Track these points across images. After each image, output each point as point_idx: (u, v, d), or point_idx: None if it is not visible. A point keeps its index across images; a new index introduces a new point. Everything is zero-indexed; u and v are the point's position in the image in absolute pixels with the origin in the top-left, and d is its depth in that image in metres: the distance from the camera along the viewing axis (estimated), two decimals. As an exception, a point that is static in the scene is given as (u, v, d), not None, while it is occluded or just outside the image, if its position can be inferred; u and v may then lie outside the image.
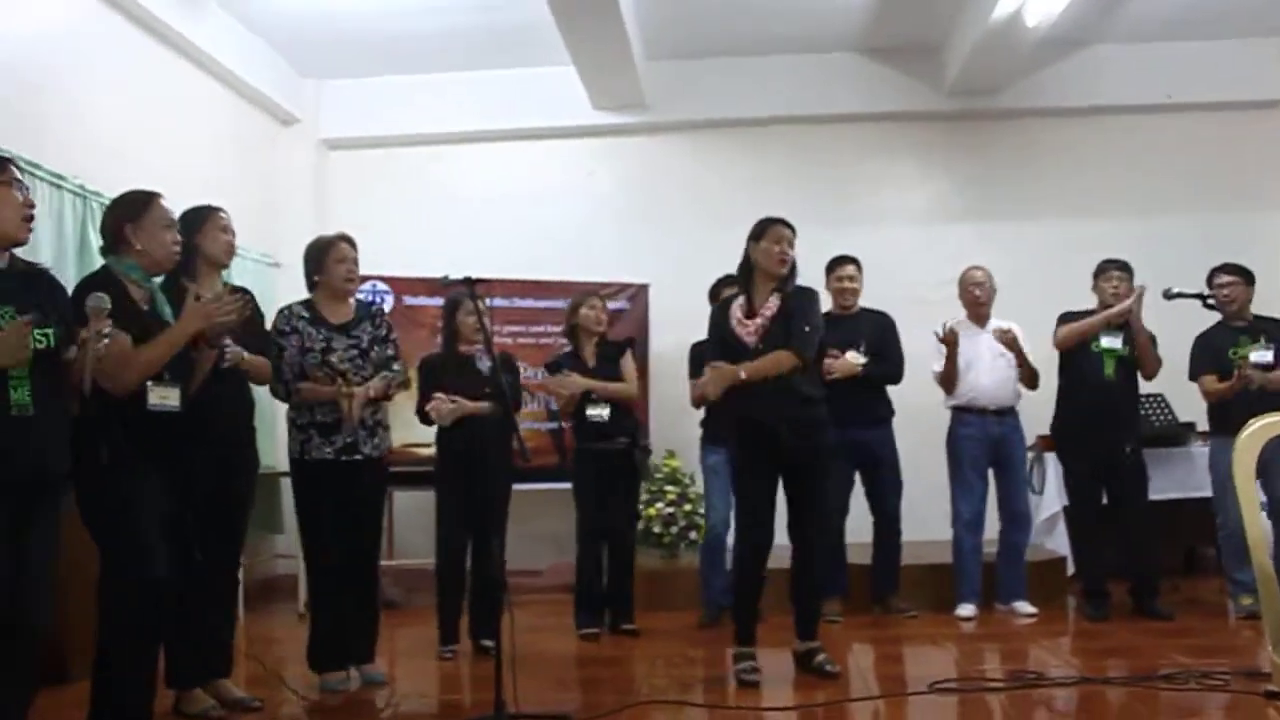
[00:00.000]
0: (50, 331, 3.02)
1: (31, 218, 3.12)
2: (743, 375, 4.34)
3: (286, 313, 4.44)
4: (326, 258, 4.47)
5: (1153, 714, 3.81)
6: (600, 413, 5.49)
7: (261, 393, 4.48)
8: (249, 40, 7.06)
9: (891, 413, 5.86)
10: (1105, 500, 5.70)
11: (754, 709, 4.01)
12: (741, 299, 4.58)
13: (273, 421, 5.68)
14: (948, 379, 5.82)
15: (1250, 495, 2.75)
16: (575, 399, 5.44)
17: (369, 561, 4.53)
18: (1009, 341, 5.70)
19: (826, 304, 5.66)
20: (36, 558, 3.01)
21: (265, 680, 4.33)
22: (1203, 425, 6.19)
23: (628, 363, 5.65)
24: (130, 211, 3.53)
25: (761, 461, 4.46)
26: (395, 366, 4.56)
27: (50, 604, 3.07)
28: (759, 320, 4.49)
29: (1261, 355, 5.45)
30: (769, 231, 4.53)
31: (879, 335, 5.85)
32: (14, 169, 3.10)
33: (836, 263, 5.91)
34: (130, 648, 3.28)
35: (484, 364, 5.10)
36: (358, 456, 4.36)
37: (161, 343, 3.40)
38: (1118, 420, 5.63)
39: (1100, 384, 5.63)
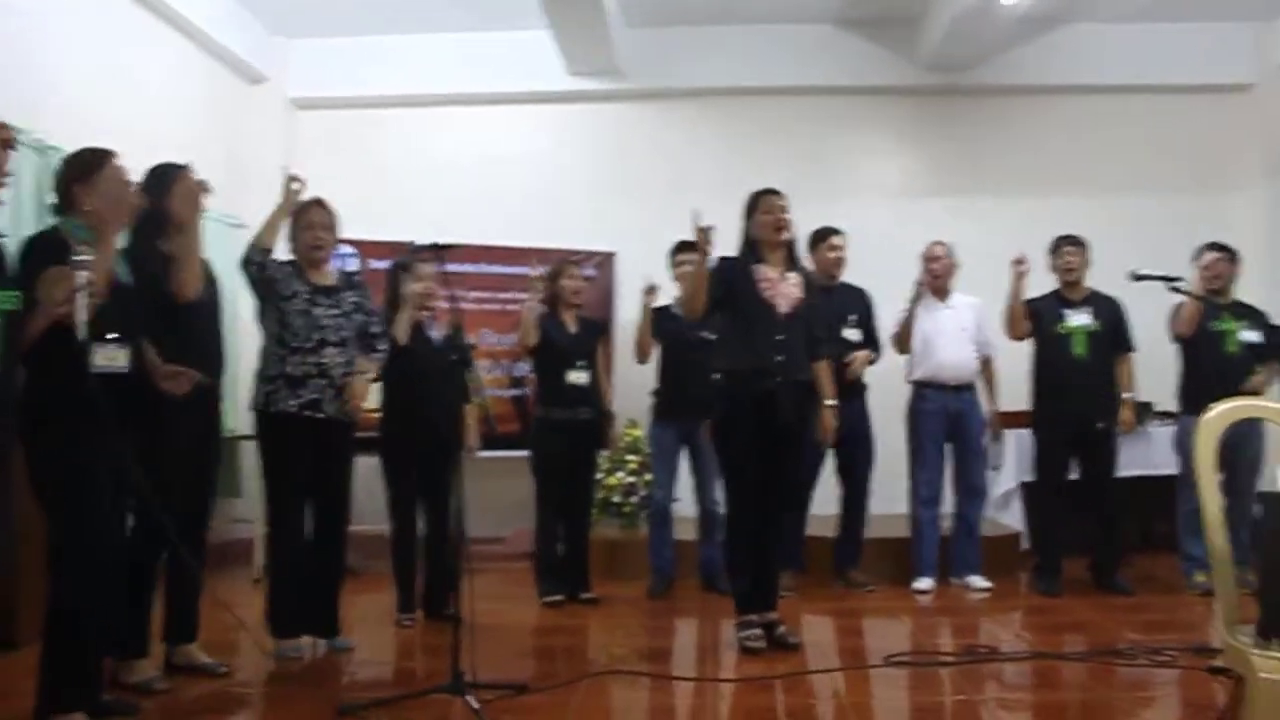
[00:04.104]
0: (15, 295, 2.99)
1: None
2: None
3: (255, 255, 4.32)
4: (295, 223, 4.42)
5: (1104, 688, 3.88)
6: (582, 379, 5.50)
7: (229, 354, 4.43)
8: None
9: (865, 386, 5.89)
10: (1072, 476, 5.76)
11: (712, 680, 4.04)
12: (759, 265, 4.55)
13: (234, 383, 5.62)
14: (903, 338, 5.85)
15: (1210, 475, 2.76)
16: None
17: (336, 526, 4.49)
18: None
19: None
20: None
21: (225, 646, 4.30)
22: (1161, 406, 6.27)
23: (605, 347, 5.67)
24: (80, 171, 3.45)
25: (754, 430, 4.43)
26: (374, 329, 4.56)
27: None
28: (791, 291, 4.52)
29: (1250, 334, 5.58)
30: (760, 203, 4.57)
31: (863, 310, 5.89)
32: None
33: (825, 233, 5.90)
34: (80, 615, 3.24)
35: (434, 332, 5.10)
36: (320, 414, 4.31)
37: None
38: (1090, 397, 5.68)
39: (1071, 362, 5.68)
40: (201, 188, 3.88)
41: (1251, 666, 2.28)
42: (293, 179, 4.30)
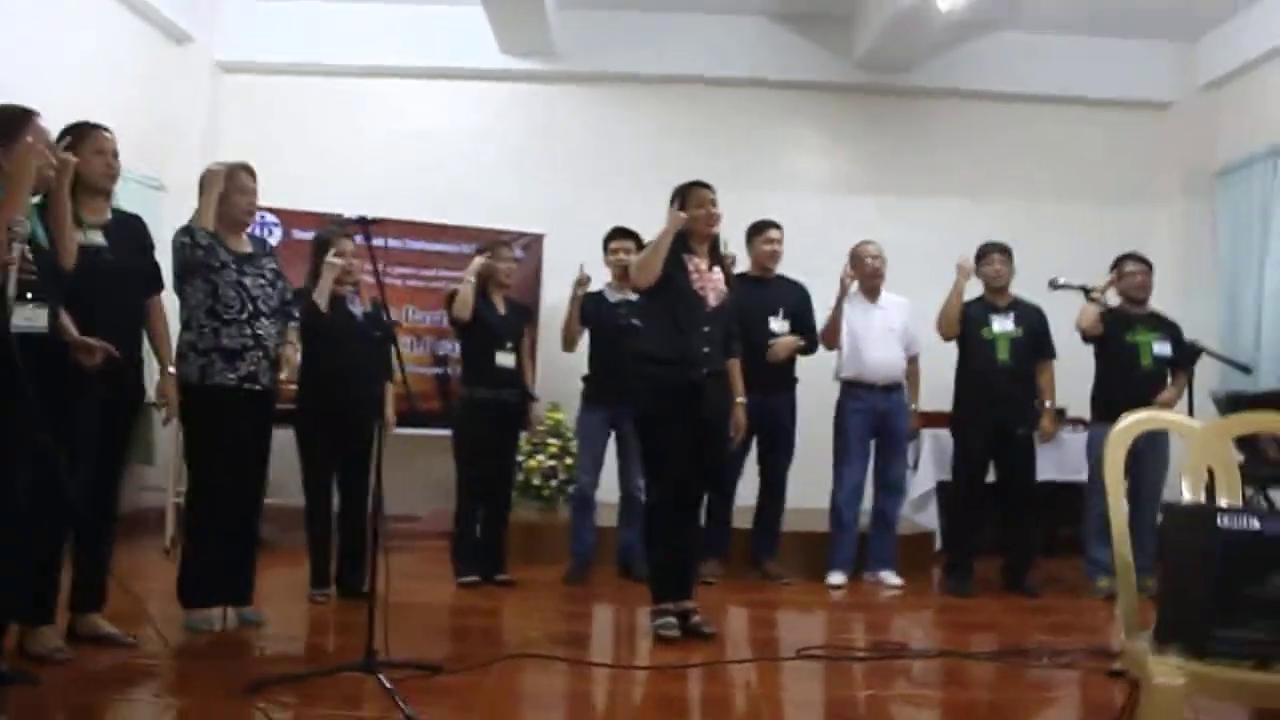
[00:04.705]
0: None
1: None
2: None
3: (195, 229, 4.20)
4: (226, 185, 4.29)
5: (1009, 688, 3.96)
6: (509, 360, 5.49)
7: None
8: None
9: (795, 380, 5.93)
10: (990, 479, 5.86)
11: (626, 667, 4.05)
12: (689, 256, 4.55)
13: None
14: (830, 334, 5.88)
15: (1118, 485, 2.83)
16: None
17: (254, 497, 4.42)
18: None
19: (744, 265, 5.74)
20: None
21: (132, 617, 4.19)
22: (1074, 412, 6.42)
23: (531, 330, 5.67)
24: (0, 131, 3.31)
25: (679, 419, 4.43)
26: (288, 296, 4.51)
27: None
28: (719, 284, 4.56)
29: (1163, 347, 5.73)
30: (691, 195, 4.56)
31: (798, 304, 5.92)
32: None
33: (763, 225, 5.93)
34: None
35: (355, 307, 5.06)
36: (258, 386, 4.26)
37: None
38: (1012, 403, 5.78)
39: (994, 367, 5.77)
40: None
41: (1147, 671, 2.33)
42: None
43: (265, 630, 4.38)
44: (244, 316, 4.22)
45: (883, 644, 4.51)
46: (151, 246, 4.15)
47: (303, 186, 6.69)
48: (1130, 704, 2.70)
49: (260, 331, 4.26)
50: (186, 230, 4.19)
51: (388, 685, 3.38)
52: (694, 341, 4.46)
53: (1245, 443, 4.95)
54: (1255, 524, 2.32)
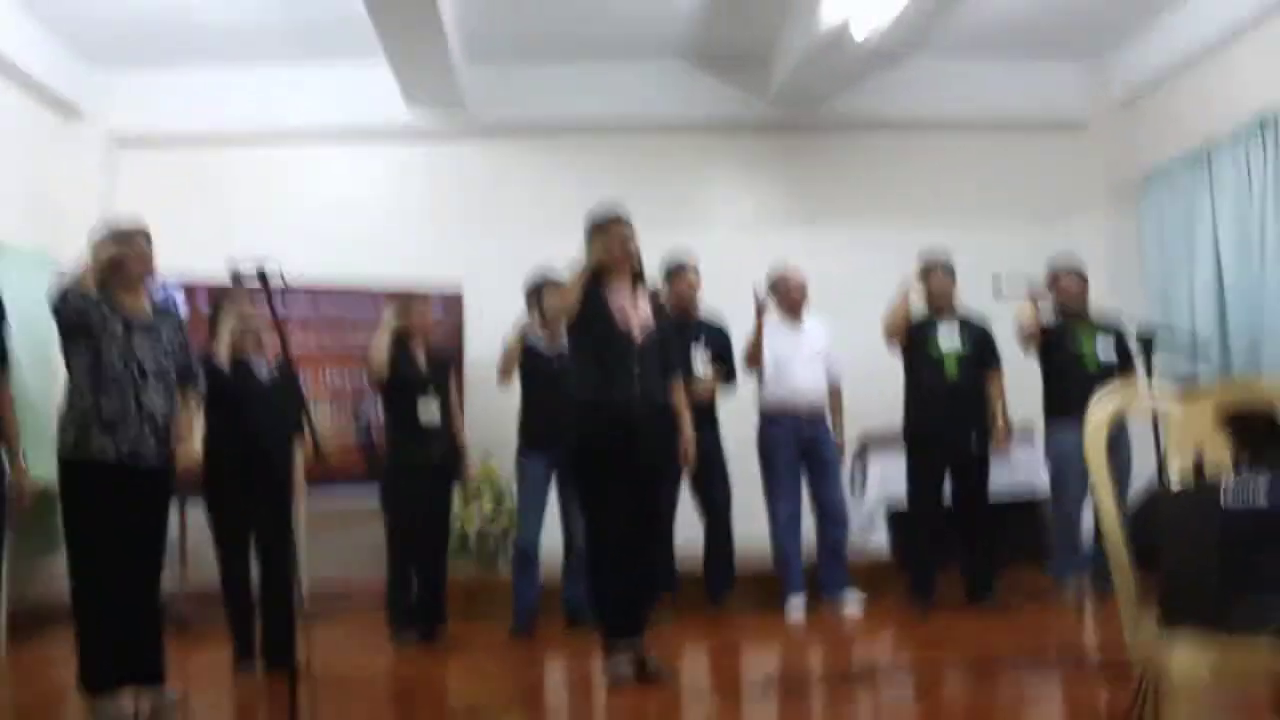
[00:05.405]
0: None
1: None
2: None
3: (69, 291, 3.85)
4: (117, 247, 3.92)
5: (991, 697, 3.77)
6: (434, 412, 5.23)
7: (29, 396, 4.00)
8: (25, 21, 6.47)
9: (715, 418, 5.75)
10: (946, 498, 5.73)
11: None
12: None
13: (44, 426, 5.12)
14: (753, 354, 5.72)
15: (1103, 473, 2.71)
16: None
17: (150, 576, 3.99)
18: None
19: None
20: None
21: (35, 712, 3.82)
22: (1024, 421, 6.26)
23: (457, 378, 5.49)
24: None
25: (614, 461, 4.22)
26: (190, 361, 4.16)
27: None
28: (644, 316, 4.34)
29: (1106, 353, 5.65)
30: (603, 228, 4.38)
31: (719, 343, 5.82)
32: None
33: (680, 267, 5.82)
34: None
35: (261, 370, 4.77)
36: (141, 465, 3.87)
37: None
38: (964, 421, 5.67)
39: (944, 386, 5.67)
40: None
41: (1164, 658, 2.24)
42: None
43: (190, 711, 4.00)
44: (127, 383, 3.85)
45: (845, 671, 4.27)
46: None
47: (207, 257, 6.34)
48: (1143, 698, 2.62)
49: (144, 400, 3.87)
50: (59, 293, 3.83)
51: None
52: (623, 382, 4.25)
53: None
54: (1259, 498, 2.37)
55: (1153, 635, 2.39)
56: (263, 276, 3.69)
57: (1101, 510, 2.72)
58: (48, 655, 5.11)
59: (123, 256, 3.91)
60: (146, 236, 4.04)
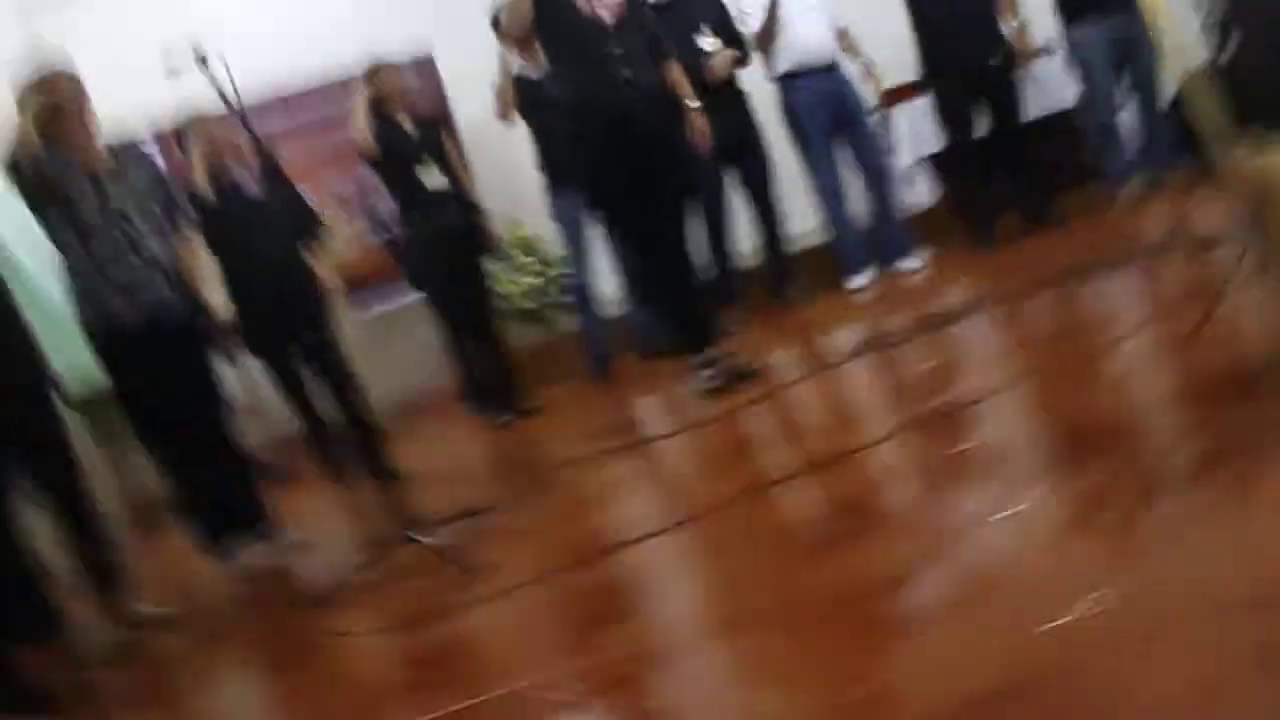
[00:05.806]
0: None
1: None
2: None
3: (20, 161, 3.48)
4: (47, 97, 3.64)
5: (1095, 299, 3.65)
6: (437, 179, 4.95)
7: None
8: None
9: (742, 92, 5.50)
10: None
11: (663, 437, 3.75)
12: None
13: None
14: (766, 36, 5.39)
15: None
16: None
17: (215, 429, 3.88)
18: None
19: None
20: None
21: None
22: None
23: (453, 142, 5.20)
24: None
25: (619, 158, 3.97)
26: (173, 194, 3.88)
27: None
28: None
29: None
30: None
31: (720, 16, 5.44)
32: None
33: None
34: None
35: (250, 187, 4.43)
36: (163, 330, 3.66)
37: None
38: (977, 34, 5.34)
39: (950, 3, 5.30)
40: None
41: (1263, 165, 2.06)
42: None
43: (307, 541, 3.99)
44: (119, 234, 3.59)
45: (928, 317, 4.08)
46: None
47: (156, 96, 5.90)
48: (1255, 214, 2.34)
49: (141, 247, 3.62)
50: (9, 163, 3.48)
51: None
52: (604, 71, 3.93)
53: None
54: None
55: (1246, 148, 2.20)
56: (203, 60, 3.15)
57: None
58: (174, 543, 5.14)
59: (54, 101, 3.52)
60: (69, 76, 3.58)
